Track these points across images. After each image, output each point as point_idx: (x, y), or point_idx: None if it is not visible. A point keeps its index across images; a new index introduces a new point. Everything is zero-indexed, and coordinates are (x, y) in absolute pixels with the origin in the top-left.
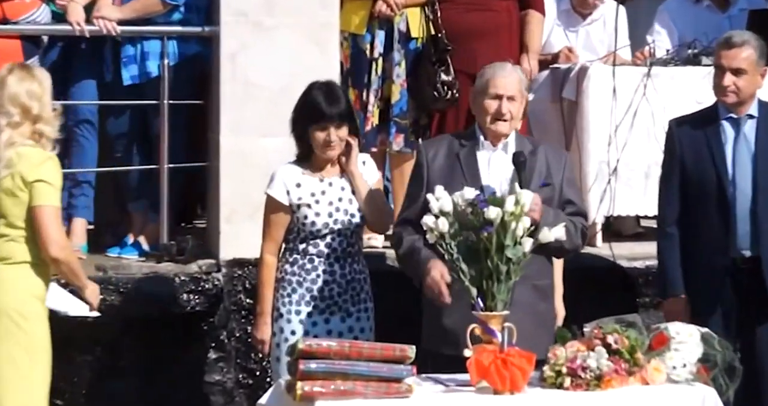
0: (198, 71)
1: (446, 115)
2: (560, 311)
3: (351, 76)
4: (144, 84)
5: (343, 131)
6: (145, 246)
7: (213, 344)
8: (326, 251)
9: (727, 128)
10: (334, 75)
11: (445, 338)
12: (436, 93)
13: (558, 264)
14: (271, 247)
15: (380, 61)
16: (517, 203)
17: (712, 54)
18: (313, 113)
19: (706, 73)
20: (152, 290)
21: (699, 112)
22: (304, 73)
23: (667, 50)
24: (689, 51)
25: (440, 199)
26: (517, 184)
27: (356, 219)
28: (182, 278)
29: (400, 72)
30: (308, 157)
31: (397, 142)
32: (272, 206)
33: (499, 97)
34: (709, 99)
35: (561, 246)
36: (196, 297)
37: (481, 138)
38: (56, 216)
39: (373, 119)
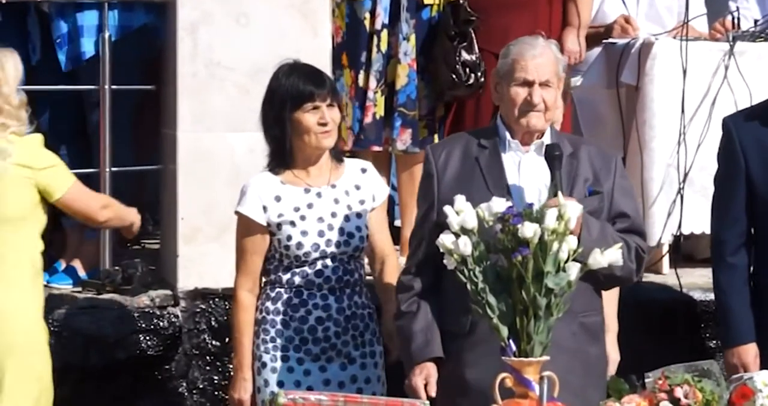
0: (148, 49)
1: (464, 107)
2: (614, 356)
3: (346, 54)
4: (79, 67)
5: (336, 113)
6: (82, 273)
7: (169, 398)
8: (317, 281)
9: None
10: (325, 54)
11: (467, 394)
12: (454, 76)
13: (611, 295)
14: (246, 282)
15: (384, 34)
16: (560, 217)
17: None
18: (297, 94)
19: None
20: (90, 330)
21: (763, 105)
22: (285, 52)
23: (756, 21)
24: None
25: (462, 212)
26: (559, 192)
27: (355, 240)
28: (129, 313)
29: (408, 49)
30: (287, 162)
31: (403, 140)
32: (246, 229)
33: (528, 84)
34: None
35: (610, 274)
36: (148, 338)
37: (507, 136)
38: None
39: (375, 110)
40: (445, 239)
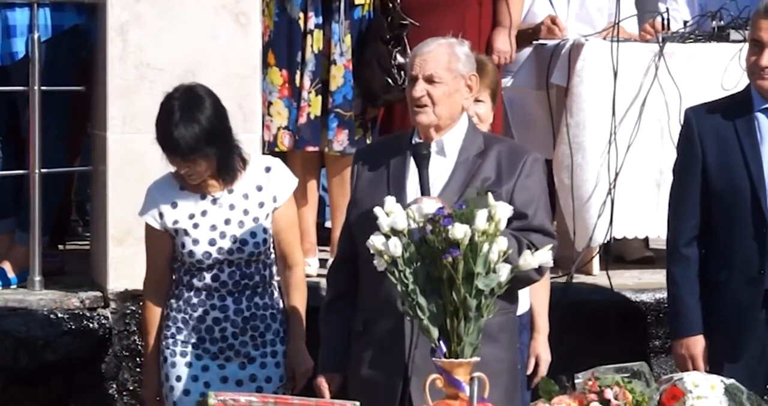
0: (78, 49)
1: (393, 107)
2: (545, 357)
3: (276, 53)
4: (9, 67)
5: (200, 166)
6: (11, 275)
7: (99, 400)
8: (214, 284)
9: (764, 122)
10: (255, 55)
11: (363, 391)
12: (389, 80)
13: (541, 296)
14: (150, 282)
15: (318, 34)
16: (490, 218)
17: (742, 27)
18: (162, 137)
19: (736, 50)
20: (20, 331)
21: (727, 100)
22: (214, 52)
23: (685, 22)
24: (713, 23)
25: (392, 214)
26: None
27: (249, 247)
28: (59, 315)
29: (344, 49)
30: None
31: (339, 141)
32: (147, 233)
33: (414, 79)
34: (738, 85)
35: None
36: (78, 340)
37: (415, 138)
38: None
39: (310, 110)
40: (375, 241)
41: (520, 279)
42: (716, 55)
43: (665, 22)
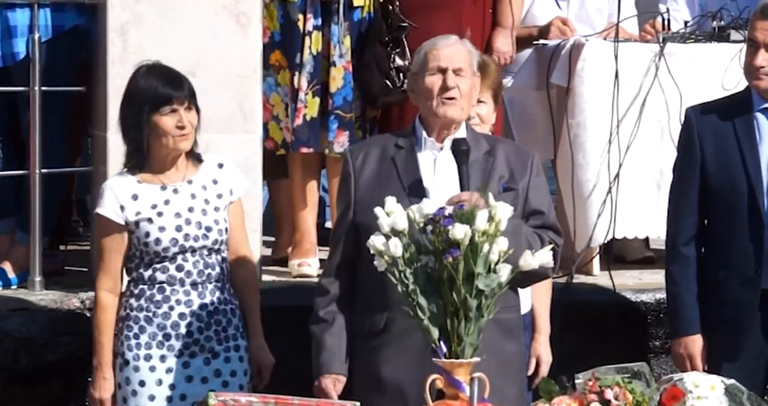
0: (78, 49)
1: (390, 109)
2: (546, 357)
3: (281, 55)
4: (10, 67)
5: (193, 116)
6: (12, 275)
7: None
8: (179, 275)
9: (763, 122)
10: (255, 56)
11: (382, 390)
12: (388, 82)
13: (543, 297)
14: (107, 281)
15: (317, 35)
16: (491, 218)
17: (742, 28)
18: (155, 97)
19: (737, 51)
20: (20, 331)
21: (727, 99)
22: (214, 52)
23: (686, 22)
24: (714, 23)
25: (392, 214)
26: (490, 194)
27: (213, 234)
28: (59, 315)
29: (343, 51)
30: (143, 163)
31: (339, 142)
32: (104, 229)
33: (442, 71)
34: (738, 85)
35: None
36: (78, 340)
37: (423, 134)
38: None
39: (307, 111)
40: (375, 241)
41: (538, 274)
42: (716, 55)
43: (665, 22)
